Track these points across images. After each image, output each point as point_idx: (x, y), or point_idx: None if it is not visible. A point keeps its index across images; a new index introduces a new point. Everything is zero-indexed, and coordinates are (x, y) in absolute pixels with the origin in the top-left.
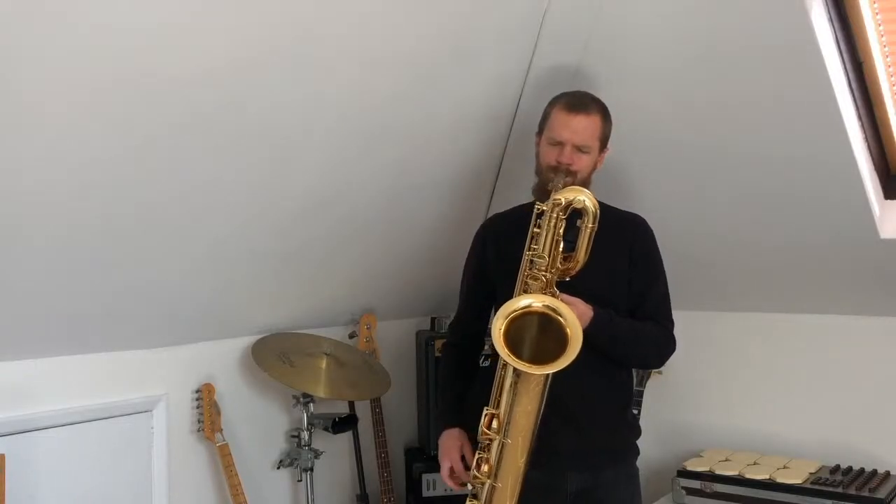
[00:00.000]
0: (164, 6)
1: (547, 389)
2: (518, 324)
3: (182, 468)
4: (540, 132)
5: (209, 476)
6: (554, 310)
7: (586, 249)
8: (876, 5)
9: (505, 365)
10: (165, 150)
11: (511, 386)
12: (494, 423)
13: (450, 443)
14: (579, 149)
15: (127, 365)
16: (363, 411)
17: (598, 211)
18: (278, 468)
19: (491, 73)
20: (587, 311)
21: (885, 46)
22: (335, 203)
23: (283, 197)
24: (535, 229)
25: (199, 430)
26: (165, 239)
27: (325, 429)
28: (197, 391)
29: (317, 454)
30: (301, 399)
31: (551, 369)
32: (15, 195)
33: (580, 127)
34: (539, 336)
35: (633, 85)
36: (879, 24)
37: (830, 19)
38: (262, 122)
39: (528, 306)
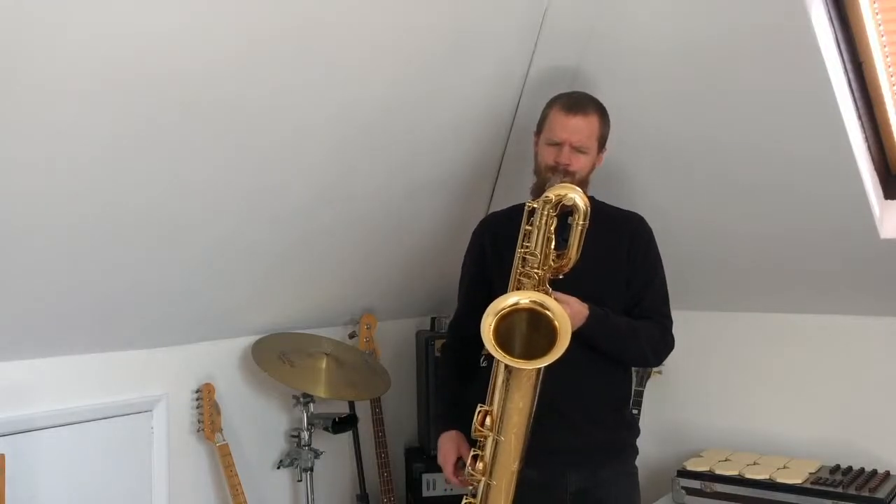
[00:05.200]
0: (165, 9)
1: (539, 386)
2: (508, 321)
3: (182, 468)
4: (538, 132)
5: (209, 476)
6: (541, 305)
7: (578, 247)
8: (876, 5)
9: (498, 363)
10: (165, 150)
11: (503, 383)
12: (487, 421)
13: (447, 446)
14: (577, 149)
15: (127, 365)
16: (363, 411)
17: (589, 208)
18: (278, 468)
19: (491, 73)
20: (582, 309)
21: (885, 46)
22: (335, 203)
23: (284, 197)
24: (527, 227)
25: (199, 430)
26: (165, 239)
27: (325, 429)
28: (197, 391)
29: (317, 454)
30: (301, 399)
31: (539, 364)
32: (14, 195)
33: (578, 128)
34: (530, 333)
35: (633, 85)
36: (879, 24)
37: (830, 19)
38: (262, 122)
39: (517, 303)
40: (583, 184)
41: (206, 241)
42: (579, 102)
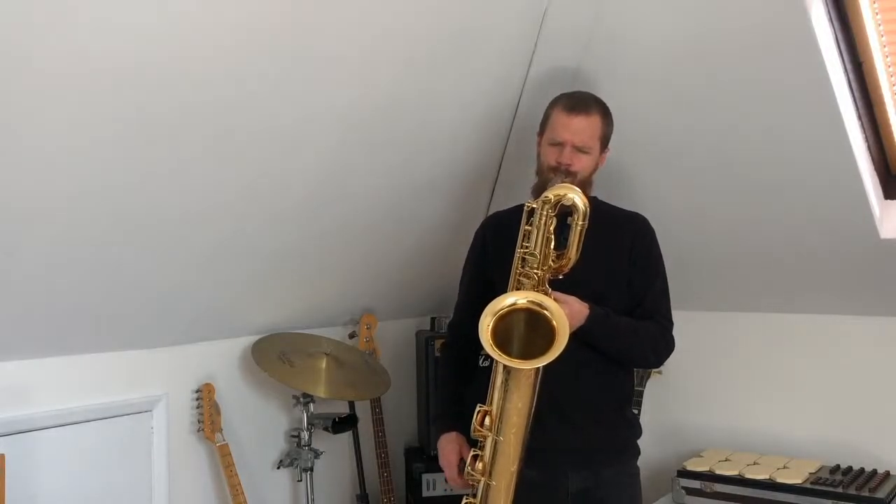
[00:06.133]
0: (165, 10)
1: (539, 386)
2: (506, 321)
3: (182, 468)
4: (541, 132)
5: (209, 476)
6: (539, 304)
7: (577, 247)
8: (876, 5)
9: (498, 363)
10: (165, 151)
11: (502, 383)
12: (487, 421)
13: (449, 447)
14: (579, 149)
15: (127, 365)
16: (363, 411)
17: (588, 208)
18: (278, 468)
19: (491, 73)
20: (582, 308)
21: (885, 46)
22: (335, 203)
23: (283, 197)
24: (527, 227)
25: (199, 430)
26: (165, 239)
27: (325, 429)
28: (197, 391)
29: (317, 454)
30: (301, 399)
31: (537, 364)
32: (15, 196)
33: (580, 128)
34: (528, 333)
35: (633, 85)
36: (879, 24)
37: (830, 19)
38: (262, 121)
39: (514, 303)
40: (585, 184)
41: (206, 241)
42: (581, 102)
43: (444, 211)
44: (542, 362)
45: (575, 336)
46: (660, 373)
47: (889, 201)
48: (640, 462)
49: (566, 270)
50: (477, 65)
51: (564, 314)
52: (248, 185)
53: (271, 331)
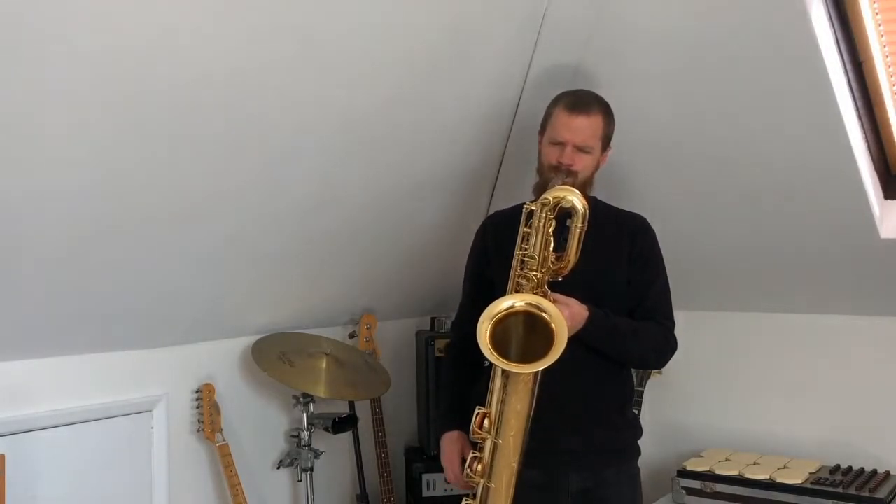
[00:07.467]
0: (165, 9)
1: (538, 388)
2: (505, 324)
3: (182, 468)
4: (542, 131)
5: (209, 476)
6: (537, 307)
7: (576, 249)
8: (876, 5)
9: (496, 365)
10: (165, 151)
11: (501, 387)
12: (486, 423)
13: (450, 447)
14: (580, 149)
15: (127, 365)
16: (363, 411)
17: (587, 210)
18: (278, 468)
19: (491, 73)
20: (582, 311)
21: (885, 46)
22: (335, 203)
23: (284, 197)
24: (526, 229)
25: (199, 430)
26: (165, 239)
27: (325, 429)
28: (197, 391)
29: (317, 454)
30: (301, 399)
31: (535, 368)
32: (15, 196)
33: (581, 127)
34: (527, 335)
35: (634, 85)
36: (879, 24)
37: (830, 19)
38: (262, 122)
39: (512, 307)
40: (586, 184)
41: (207, 241)
42: (583, 101)
43: (444, 211)
44: (540, 366)
45: (575, 337)
46: (660, 373)
47: (889, 201)
48: (640, 462)
49: (565, 272)
50: (477, 65)
51: (563, 316)
52: (248, 184)
53: (271, 331)
